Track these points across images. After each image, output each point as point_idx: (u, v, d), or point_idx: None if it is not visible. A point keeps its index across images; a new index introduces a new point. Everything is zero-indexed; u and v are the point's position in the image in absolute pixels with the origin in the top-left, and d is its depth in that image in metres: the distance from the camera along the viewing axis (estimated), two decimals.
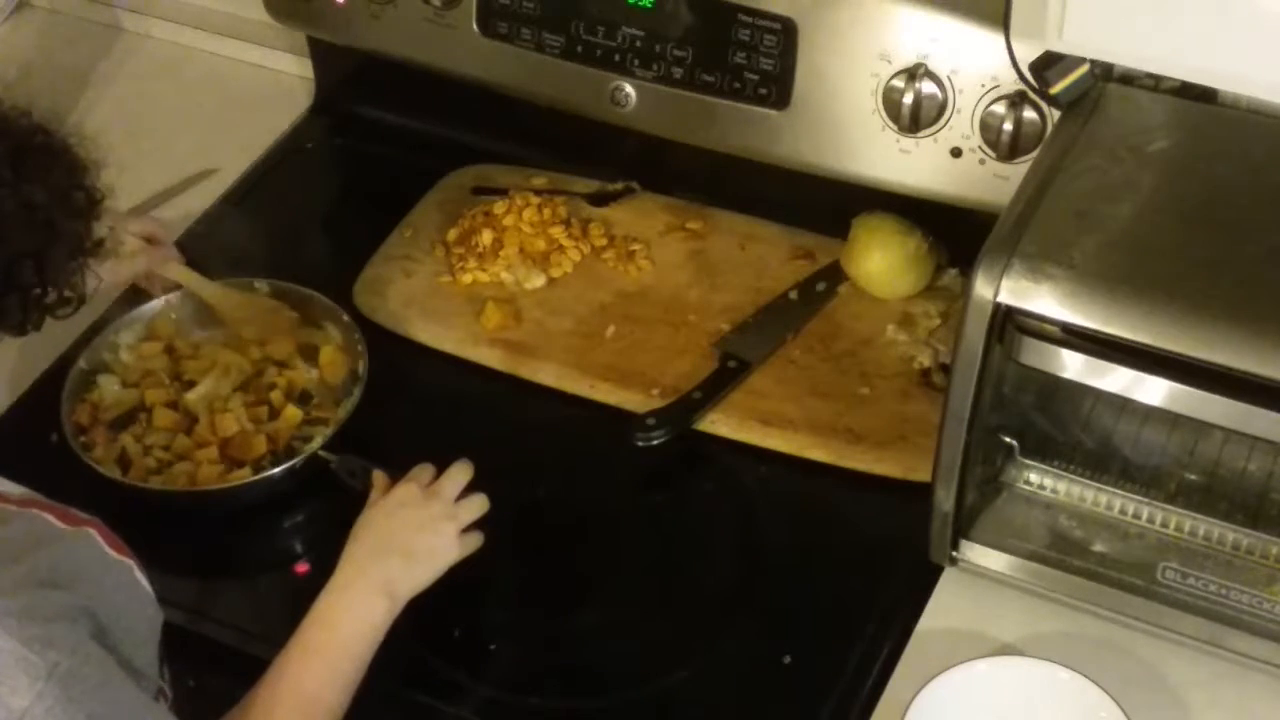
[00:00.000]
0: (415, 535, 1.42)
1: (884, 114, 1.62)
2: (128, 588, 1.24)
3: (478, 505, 1.46)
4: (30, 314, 1.26)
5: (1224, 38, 1.24)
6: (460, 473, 1.47)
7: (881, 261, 1.71)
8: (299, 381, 1.64)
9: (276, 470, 1.55)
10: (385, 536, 1.42)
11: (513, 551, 1.54)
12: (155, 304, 1.71)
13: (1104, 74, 1.45)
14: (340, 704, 1.34)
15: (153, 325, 1.70)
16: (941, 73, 1.58)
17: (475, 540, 1.46)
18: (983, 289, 1.30)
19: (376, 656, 1.36)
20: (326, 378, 1.65)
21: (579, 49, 1.73)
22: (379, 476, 1.48)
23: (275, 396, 1.62)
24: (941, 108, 1.59)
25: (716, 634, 1.49)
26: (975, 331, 1.32)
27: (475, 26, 1.77)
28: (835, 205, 1.73)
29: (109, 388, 1.64)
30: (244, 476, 1.56)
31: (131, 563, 1.25)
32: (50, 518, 1.22)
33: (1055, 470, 1.50)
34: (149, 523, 1.40)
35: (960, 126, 1.59)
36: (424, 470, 1.48)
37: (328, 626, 1.36)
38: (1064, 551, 1.47)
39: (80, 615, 1.16)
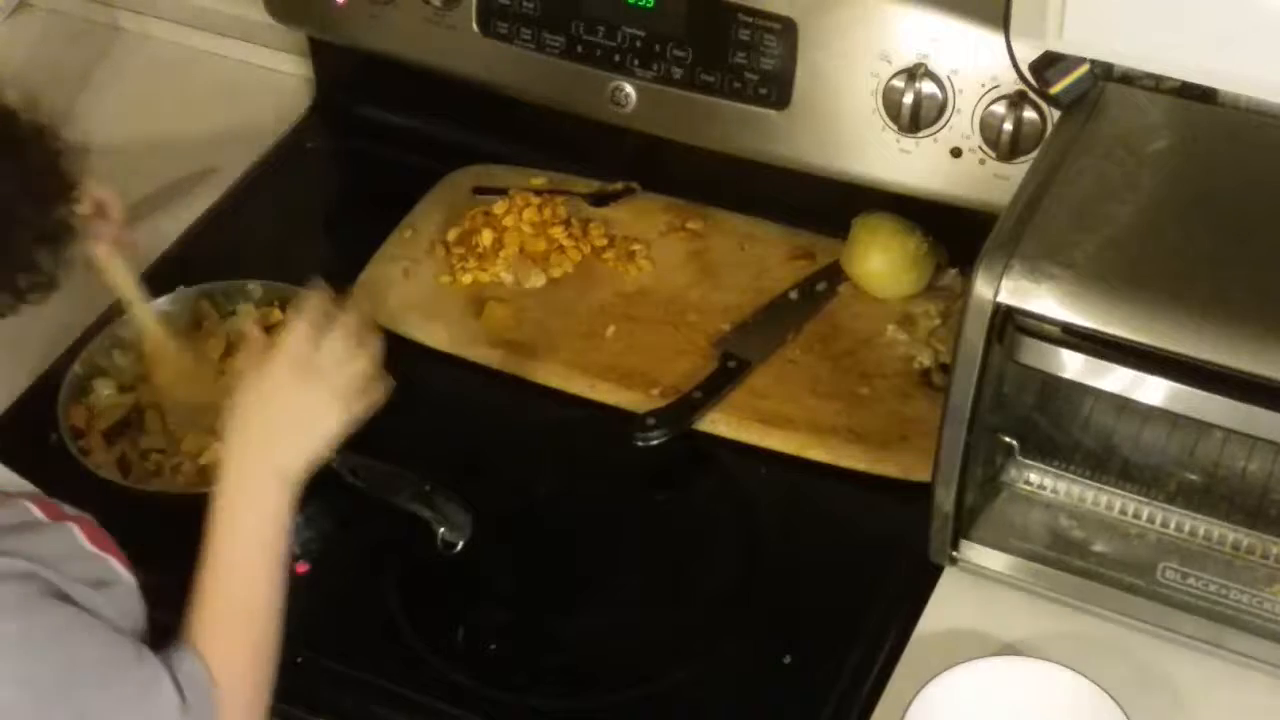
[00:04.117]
0: (300, 409, 1.33)
1: (884, 114, 1.62)
2: (101, 577, 1.23)
3: (366, 347, 1.37)
4: None
5: (1224, 37, 1.24)
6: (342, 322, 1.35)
7: (881, 261, 1.71)
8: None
9: None
10: (268, 421, 1.33)
11: (513, 551, 1.54)
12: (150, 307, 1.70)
13: (1104, 74, 1.45)
14: (277, 599, 1.30)
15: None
16: (941, 73, 1.58)
17: (372, 393, 1.36)
18: (983, 289, 1.30)
19: (377, 656, 1.35)
20: None
21: (579, 49, 1.73)
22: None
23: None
24: (941, 108, 1.59)
25: (716, 634, 1.48)
26: (975, 331, 1.32)
27: (475, 26, 1.77)
28: (835, 205, 1.73)
29: (104, 392, 1.63)
30: None
31: (111, 559, 1.24)
32: (35, 509, 1.23)
33: (1055, 470, 1.50)
34: (149, 524, 1.39)
35: (960, 126, 1.59)
36: (304, 325, 1.35)
37: (233, 534, 1.30)
38: (1064, 551, 1.47)
39: (32, 578, 1.16)
